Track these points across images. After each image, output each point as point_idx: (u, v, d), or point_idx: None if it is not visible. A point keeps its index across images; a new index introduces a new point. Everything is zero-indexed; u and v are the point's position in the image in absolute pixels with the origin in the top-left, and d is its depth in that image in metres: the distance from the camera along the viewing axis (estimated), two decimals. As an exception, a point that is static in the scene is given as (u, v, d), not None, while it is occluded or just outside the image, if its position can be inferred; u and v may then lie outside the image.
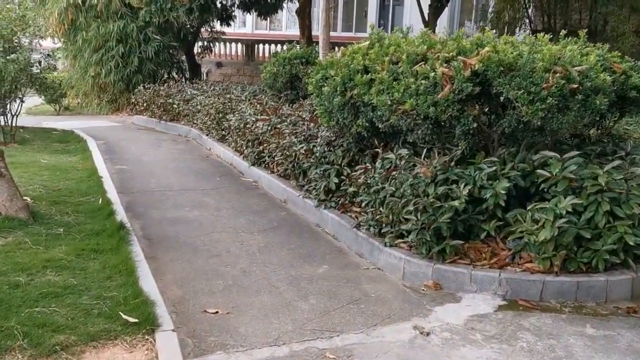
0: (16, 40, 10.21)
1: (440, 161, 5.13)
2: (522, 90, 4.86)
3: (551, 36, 5.80)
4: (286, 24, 27.77)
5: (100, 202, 6.80)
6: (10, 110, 10.87)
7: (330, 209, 6.49)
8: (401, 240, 5.28)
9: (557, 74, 4.88)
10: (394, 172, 5.44)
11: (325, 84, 6.50)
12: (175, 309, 4.34)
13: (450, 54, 5.39)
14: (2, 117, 10.94)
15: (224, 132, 10.94)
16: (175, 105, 13.84)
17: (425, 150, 5.45)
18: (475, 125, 5.17)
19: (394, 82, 5.52)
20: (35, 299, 4.12)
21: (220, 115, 11.09)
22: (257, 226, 6.48)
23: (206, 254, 5.53)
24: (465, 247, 5.07)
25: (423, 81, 5.28)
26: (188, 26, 18.44)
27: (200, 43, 20.37)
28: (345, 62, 6.29)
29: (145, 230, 6.20)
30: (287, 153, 7.66)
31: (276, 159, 8.07)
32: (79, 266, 4.78)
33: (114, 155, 10.30)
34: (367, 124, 6.09)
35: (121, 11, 16.61)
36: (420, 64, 5.50)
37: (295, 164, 7.47)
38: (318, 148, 6.87)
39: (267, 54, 21.62)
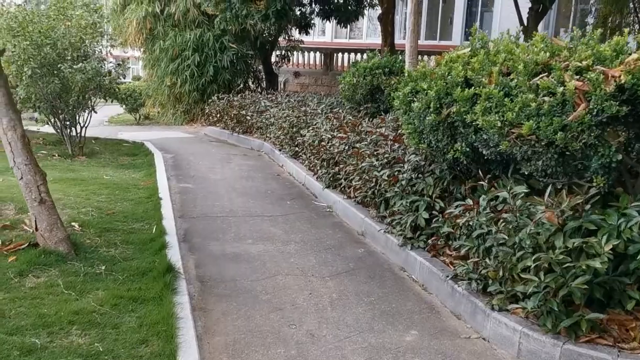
0: (86, 49, 9.75)
1: (571, 203, 3.89)
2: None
3: None
4: (366, 32, 26.78)
5: (154, 230, 6.00)
6: (79, 121, 10.45)
7: (418, 250, 5.37)
8: (515, 305, 4.07)
9: None
10: (505, 214, 4.25)
11: (416, 99, 5.40)
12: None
13: (584, 62, 4.16)
14: (72, 128, 10.54)
15: (297, 149, 10.03)
16: (248, 117, 13.14)
17: (549, 187, 4.21)
18: (620, 157, 3.91)
19: (506, 99, 4.35)
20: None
21: (294, 129, 10.20)
22: (330, 268, 5.44)
23: (267, 307, 4.54)
24: (605, 320, 3.80)
25: (547, 98, 4.08)
26: (265, 34, 17.86)
27: (277, 52, 19.75)
28: (441, 73, 5.17)
29: (200, 268, 5.31)
30: (367, 177, 6.60)
31: (353, 183, 7.03)
32: (112, 322, 3.91)
33: (180, 171, 9.61)
34: (467, 149, 4.93)
35: (198, 19, 16.20)
36: (541, 75, 4.30)
37: (375, 191, 6.40)
38: (404, 175, 5.76)
39: (346, 63, 20.71)
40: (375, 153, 6.64)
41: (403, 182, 5.73)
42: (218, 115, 14.64)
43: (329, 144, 8.05)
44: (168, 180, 8.81)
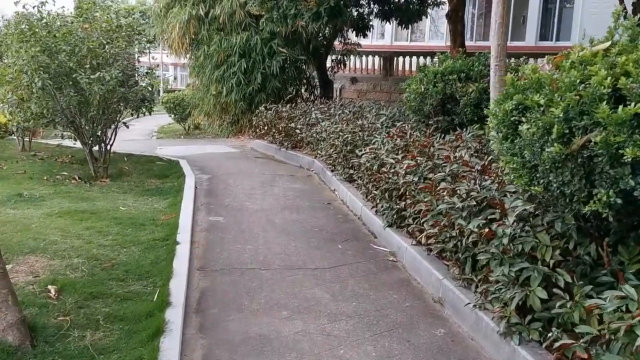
0: (106, 56, 8.39)
1: None
2: None
3: None
4: (429, 34, 24.78)
5: (155, 297, 4.44)
6: (103, 138, 9.12)
7: (531, 349, 3.57)
8: None
9: None
10: None
11: (525, 120, 3.62)
12: None
13: None
14: (98, 145, 9.22)
15: (352, 171, 8.35)
16: (297, 131, 11.55)
17: None
18: None
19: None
20: None
21: (348, 148, 8.51)
22: (397, 368, 3.71)
23: None
24: None
25: None
26: (320, 37, 16.29)
27: (332, 56, 18.14)
28: (571, 80, 3.36)
29: (209, 365, 3.70)
30: (446, 223, 4.83)
31: (426, 226, 5.27)
32: None
33: (213, 198, 8.10)
34: (616, 200, 3.12)
35: (245, 22, 14.79)
36: None
37: (459, 244, 4.63)
38: (507, 230, 3.96)
39: (407, 68, 18.89)
40: (456, 190, 4.86)
41: (504, 240, 3.93)
42: (265, 128, 13.14)
43: (392, 169, 6.32)
44: (196, 211, 7.30)
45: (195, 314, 4.41)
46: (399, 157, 6.39)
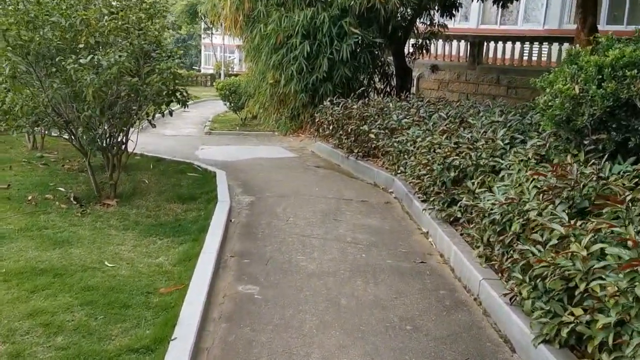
0: (106, 32, 5.88)
1: None
2: None
3: None
4: (523, 15, 21.15)
5: None
6: (108, 147, 6.66)
7: None
8: None
9: None
10: None
11: None
12: None
13: None
14: (103, 155, 6.79)
15: (456, 208, 5.58)
16: (372, 135, 8.81)
17: None
18: None
19: None
20: None
21: (452, 175, 5.73)
22: None
23: None
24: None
25: None
26: (399, 18, 13.41)
27: (411, 40, 15.22)
28: None
29: None
30: None
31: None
32: None
33: (250, 243, 5.52)
34: None
35: (311, -5, 12.11)
36: None
37: None
38: None
39: (498, 55, 15.76)
40: None
41: None
42: (330, 128, 10.45)
43: (552, 238, 3.52)
44: (220, 272, 4.76)
45: None
46: (572, 219, 3.57)
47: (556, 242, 3.51)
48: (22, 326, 3.60)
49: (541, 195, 4.11)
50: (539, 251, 3.66)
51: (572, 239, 3.40)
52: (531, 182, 4.38)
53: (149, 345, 3.46)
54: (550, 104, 5.49)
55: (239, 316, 4.03)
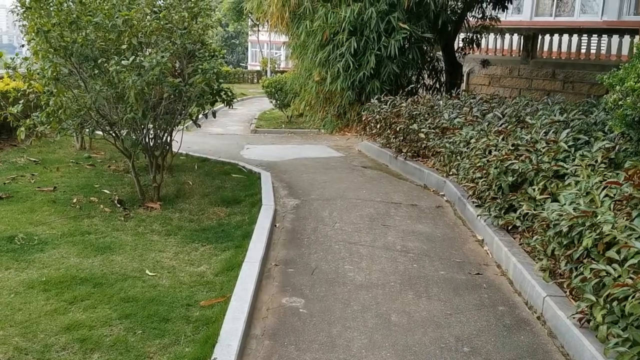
0: (149, 32, 5.74)
1: None
2: None
3: None
4: (580, 7, 20.19)
5: None
6: (151, 148, 6.55)
7: None
8: None
9: None
10: None
11: None
12: None
13: None
14: (147, 157, 6.69)
15: (516, 217, 5.20)
16: (422, 135, 8.46)
17: None
18: None
19: None
20: None
21: (510, 179, 5.35)
22: None
23: None
24: None
25: None
26: (449, 11, 12.94)
27: (461, 35, 14.70)
28: None
29: None
30: None
31: None
32: None
33: (295, 251, 5.29)
34: None
35: (358, -9, 11.77)
36: None
37: None
38: None
39: (554, 48, 15.02)
40: None
41: None
42: (378, 126, 10.13)
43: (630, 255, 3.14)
44: (264, 282, 4.54)
45: None
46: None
47: (636, 261, 3.12)
48: (59, 341, 3.46)
49: (615, 205, 3.71)
50: (615, 269, 3.28)
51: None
52: (602, 189, 3.98)
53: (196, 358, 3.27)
54: (620, 102, 5.04)
55: (283, 333, 3.79)
